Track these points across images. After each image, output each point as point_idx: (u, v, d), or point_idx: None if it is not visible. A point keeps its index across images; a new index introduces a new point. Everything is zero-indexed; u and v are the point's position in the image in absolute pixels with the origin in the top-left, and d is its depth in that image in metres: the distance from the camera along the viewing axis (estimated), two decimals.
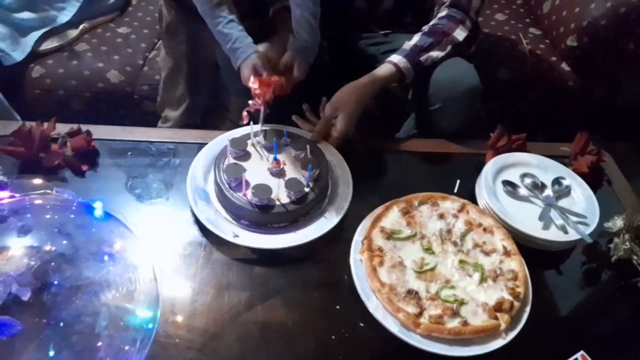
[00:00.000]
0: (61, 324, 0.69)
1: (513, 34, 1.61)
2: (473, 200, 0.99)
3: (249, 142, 0.99)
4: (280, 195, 0.91)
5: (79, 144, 1.00)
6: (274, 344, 0.79)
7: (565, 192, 1.02)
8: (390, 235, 0.90)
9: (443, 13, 1.14)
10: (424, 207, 0.95)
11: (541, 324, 0.83)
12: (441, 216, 0.94)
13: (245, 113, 1.05)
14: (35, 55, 1.41)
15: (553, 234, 0.93)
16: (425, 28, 1.13)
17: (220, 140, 1.01)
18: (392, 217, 0.93)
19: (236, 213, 0.91)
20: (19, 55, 1.37)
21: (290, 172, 0.95)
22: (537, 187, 1.01)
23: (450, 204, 0.96)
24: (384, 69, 1.10)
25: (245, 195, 0.89)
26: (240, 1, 1.12)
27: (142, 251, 0.72)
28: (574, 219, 0.96)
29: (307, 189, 0.92)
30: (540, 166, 1.06)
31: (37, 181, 0.76)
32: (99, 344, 0.69)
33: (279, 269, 0.88)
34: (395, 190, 0.99)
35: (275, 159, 0.96)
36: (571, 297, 0.90)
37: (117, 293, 0.72)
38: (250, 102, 1.03)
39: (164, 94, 1.39)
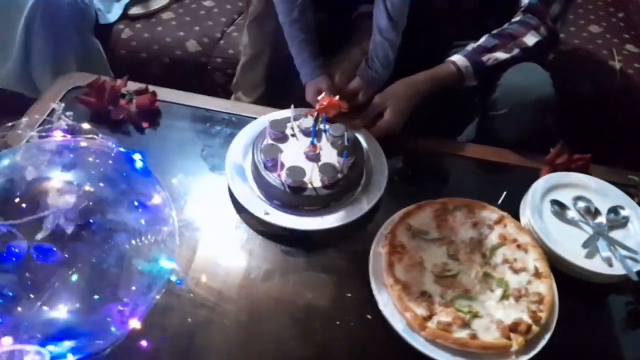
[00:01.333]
0: (93, 260, 0.77)
1: (605, 49, 1.48)
2: (517, 216, 0.94)
3: (289, 125, 1.01)
4: (314, 178, 0.92)
5: (143, 102, 1.07)
6: (281, 317, 0.81)
7: (621, 223, 0.93)
8: (416, 234, 0.88)
9: (517, 18, 1.08)
10: (459, 212, 0.92)
11: (560, 355, 0.78)
12: (475, 225, 0.91)
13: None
14: (126, 18, 1.53)
15: (595, 265, 0.86)
16: (495, 31, 1.08)
17: (263, 120, 1.04)
18: (423, 217, 0.91)
19: (269, 192, 0.93)
20: (112, 16, 1.50)
21: (326, 157, 0.96)
22: (590, 212, 0.94)
23: (487, 214, 0.92)
24: (441, 68, 1.07)
25: (279, 175, 0.92)
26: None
27: (171, 207, 0.77)
28: (624, 252, 0.88)
29: (340, 175, 0.93)
30: (599, 191, 0.98)
31: (86, 126, 0.84)
32: (122, 282, 0.75)
33: (302, 249, 0.90)
34: (435, 192, 0.97)
35: (312, 142, 0.97)
36: (601, 335, 0.84)
37: (146, 240, 0.78)
38: (315, 109, 1.04)
39: (241, 78, 1.41)
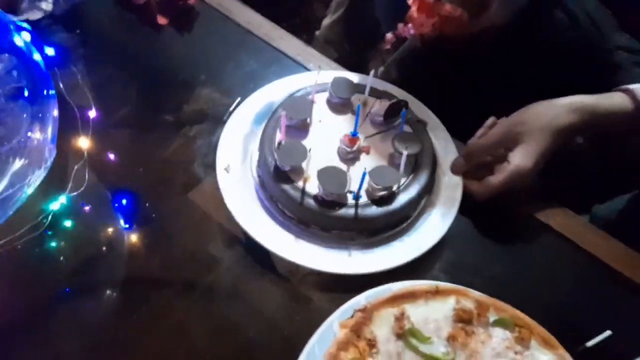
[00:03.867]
0: None
1: None
2: None
3: (355, 97, 0.66)
4: (311, 177, 0.59)
5: None
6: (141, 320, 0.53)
7: None
8: (406, 334, 0.51)
9: None
10: (502, 331, 0.52)
11: None
12: None
13: (389, 36, 0.72)
14: None
15: None
16: None
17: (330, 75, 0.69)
18: (436, 311, 0.53)
19: (261, 158, 0.62)
20: None
21: (369, 164, 0.61)
22: None
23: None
24: (606, 97, 0.64)
25: (280, 142, 0.60)
26: None
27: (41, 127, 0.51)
28: None
29: (351, 200, 0.58)
30: None
31: None
32: None
33: (242, 249, 0.60)
34: (486, 283, 0.58)
35: (353, 134, 0.62)
36: None
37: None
38: (400, 25, 0.70)
39: None
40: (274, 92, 0.70)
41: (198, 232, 0.61)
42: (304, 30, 1.22)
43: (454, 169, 0.65)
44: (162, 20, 0.81)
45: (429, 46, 0.70)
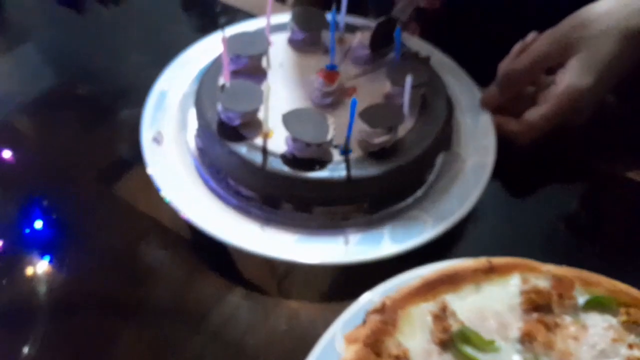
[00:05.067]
0: None
1: None
2: None
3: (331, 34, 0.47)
4: (274, 130, 0.40)
5: None
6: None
7: None
8: (454, 340, 0.32)
9: None
10: (600, 317, 0.33)
11: None
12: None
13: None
14: None
15: None
16: None
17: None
18: (495, 300, 0.34)
19: (200, 117, 0.43)
20: None
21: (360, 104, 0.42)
22: None
23: None
24: None
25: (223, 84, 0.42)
26: None
27: None
28: None
29: (337, 156, 0.40)
30: None
31: None
32: None
33: (199, 262, 0.41)
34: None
35: (330, 66, 0.44)
36: None
37: None
38: None
39: None
40: (221, 45, 0.52)
41: (126, 235, 0.42)
42: None
43: (485, 102, 0.47)
44: None
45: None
